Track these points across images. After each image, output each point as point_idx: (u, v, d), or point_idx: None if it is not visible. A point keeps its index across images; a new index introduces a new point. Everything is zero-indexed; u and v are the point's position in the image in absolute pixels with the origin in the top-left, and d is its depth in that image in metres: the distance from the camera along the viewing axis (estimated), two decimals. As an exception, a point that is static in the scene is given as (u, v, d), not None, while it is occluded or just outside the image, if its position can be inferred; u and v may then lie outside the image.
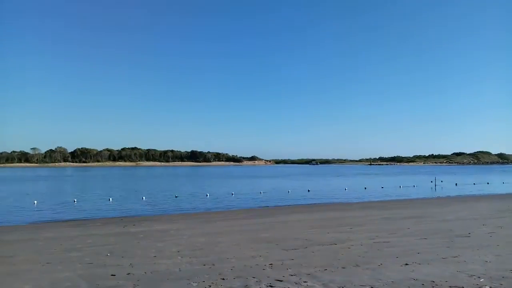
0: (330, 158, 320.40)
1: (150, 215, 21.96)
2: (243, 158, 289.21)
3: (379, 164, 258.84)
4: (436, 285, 6.89)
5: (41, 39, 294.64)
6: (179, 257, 9.62)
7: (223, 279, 7.40)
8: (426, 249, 10.12)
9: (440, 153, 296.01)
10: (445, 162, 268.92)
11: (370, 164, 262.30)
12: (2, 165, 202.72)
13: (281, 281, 7.20)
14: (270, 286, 6.88)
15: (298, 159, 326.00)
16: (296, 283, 7.05)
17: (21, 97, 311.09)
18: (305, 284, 7.02)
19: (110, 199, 30.80)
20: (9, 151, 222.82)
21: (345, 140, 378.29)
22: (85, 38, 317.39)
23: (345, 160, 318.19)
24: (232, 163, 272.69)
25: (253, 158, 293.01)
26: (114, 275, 7.91)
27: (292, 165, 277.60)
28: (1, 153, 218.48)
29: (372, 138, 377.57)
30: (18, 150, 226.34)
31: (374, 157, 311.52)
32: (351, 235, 12.71)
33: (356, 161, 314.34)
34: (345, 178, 70.94)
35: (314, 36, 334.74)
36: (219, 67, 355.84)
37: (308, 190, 39.09)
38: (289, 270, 8.05)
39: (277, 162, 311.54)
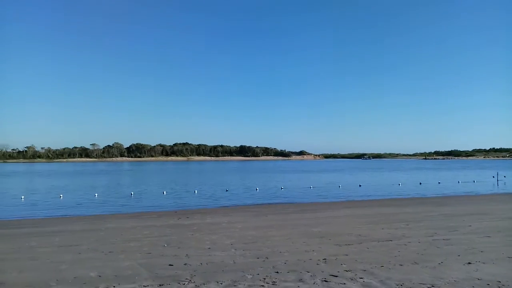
0: (382, 152, 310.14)
1: (202, 208, 22.50)
2: (292, 152, 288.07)
3: (435, 158, 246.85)
4: (503, 285, 6.48)
5: (102, 37, 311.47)
6: (233, 250, 9.77)
7: (277, 272, 7.41)
8: (489, 248, 9.53)
9: (502, 147, 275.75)
10: (508, 156, 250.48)
11: (425, 158, 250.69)
12: (65, 160, 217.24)
13: (336, 276, 7.09)
14: (325, 281, 6.79)
15: (348, 154, 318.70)
16: (352, 279, 6.90)
17: (82, 98, 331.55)
18: (361, 280, 6.86)
19: (164, 192, 31.94)
20: (71, 147, 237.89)
21: (398, 133, 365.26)
22: (147, 35, 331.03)
23: (397, 154, 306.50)
24: (280, 157, 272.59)
25: (301, 153, 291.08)
26: (172, 265, 8.19)
27: (342, 159, 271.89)
28: (64, 149, 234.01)
29: (427, 131, 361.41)
30: (79, 146, 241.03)
31: (429, 151, 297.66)
32: (407, 232, 12.24)
33: (410, 155, 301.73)
34: (398, 173, 68.46)
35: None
36: (269, 63, 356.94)
37: (360, 185, 38.20)
38: (343, 265, 7.90)
39: (326, 156, 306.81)
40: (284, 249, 9.67)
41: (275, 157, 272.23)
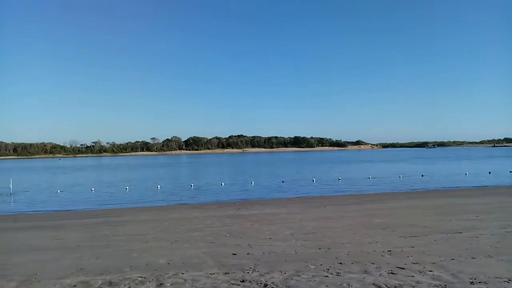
0: (445, 140, 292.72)
1: (260, 199, 22.76)
2: (348, 142, 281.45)
3: (504, 146, 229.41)
4: None
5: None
6: (294, 240, 9.80)
7: (341, 263, 7.34)
8: None
9: None
10: None
11: (494, 146, 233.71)
12: (128, 154, 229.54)
13: (403, 268, 6.88)
14: (391, 273, 6.62)
15: (408, 143, 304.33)
16: (420, 272, 6.66)
17: (142, 95, 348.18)
18: (430, 273, 6.59)
19: (222, 183, 32.72)
20: (133, 141, 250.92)
21: (462, 119, 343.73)
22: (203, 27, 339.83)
23: (463, 142, 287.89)
24: (336, 148, 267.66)
25: (358, 143, 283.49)
26: (235, 254, 8.40)
27: (402, 148, 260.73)
28: (127, 143, 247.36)
29: (494, 116, 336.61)
30: (140, 140, 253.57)
31: (498, 137, 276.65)
32: (478, 223, 11.55)
33: (476, 143, 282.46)
34: (465, 162, 64.53)
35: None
36: (321, 48, 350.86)
37: (422, 175, 36.54)
38: (410, 258, 7.64)
39: (385, 146, 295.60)
40: (346, 240, 9.53)
41: (331, 148, 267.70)
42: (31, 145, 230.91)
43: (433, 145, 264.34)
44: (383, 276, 6.45)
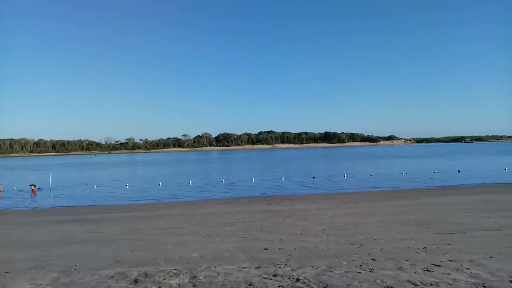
0: (482, 134, 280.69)
1: (290, 194, 22.71)
2: (380, 138, 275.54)
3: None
4: None
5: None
6: (325, 236, 9.74)
7: (374, 259, 7.23)
8: None
9: None
10: None
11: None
12: (160, 150, 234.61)
13: (439, 266, 6.69)
14: (427, 270, 6.46)
15: (443, 137, 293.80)
16: (457, 270, 6.46)
17: (174, 93, 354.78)
18: (468, 271, 6.38)
19: (253, 179, 32.87)
20: (165, 138, 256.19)
21: (500, 113, 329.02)
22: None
23: (501, 136, 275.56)
24: (367, 143, 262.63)
25: (390, 138, 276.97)
26: (267, 249, 8.44)
27: (437, 143, 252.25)
28: (159, 139, 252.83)
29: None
30: (172, 137, 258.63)
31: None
32: (519, 221, 11.06)
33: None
34: (503, 157, 61.82)
35: None
36: (356, 43, 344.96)
37: (458, 171, 35.32)
38: (446, 255, 7.42)
39: (419, 141, 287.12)
40: (378, 237, 9.37)
41: (362, 143, 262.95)
42: (68, 142, 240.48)
43: (471, 140, 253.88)
44: (418, 273, 6.31)
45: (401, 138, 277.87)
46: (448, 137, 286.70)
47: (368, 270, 6.55)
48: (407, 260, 7.09)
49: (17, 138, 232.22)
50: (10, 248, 9.64)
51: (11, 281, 6.60)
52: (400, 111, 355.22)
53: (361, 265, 6.85)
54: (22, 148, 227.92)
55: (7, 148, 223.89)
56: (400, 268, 6.60)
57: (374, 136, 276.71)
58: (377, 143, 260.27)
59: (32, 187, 28.15)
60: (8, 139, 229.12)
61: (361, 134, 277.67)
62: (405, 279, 5.97)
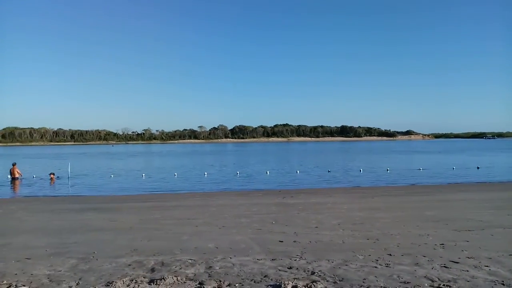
0: (504, 131, 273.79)
1: (305, 188, 22.65)
2: (397, 132, 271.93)
3: None
4: None
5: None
6: (341, 230, 9.68)
7: (390, 254, 7.16)
8: None
9: None
10: None
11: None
12: (176, 141, 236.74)
13: (457, 262, 6.59)
14: (444, 266, 6.36)
15: (463, 133, 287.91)
16: (476, 267, 6.35)
17: (189, 84, 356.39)
18: (486, 268, 6.27)
19: (267, 172, 32.88)
20: (181, 129, 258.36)
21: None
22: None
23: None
24: (384, 138, 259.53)
25: (408, 133, 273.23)
26: (282, 241, 8.44)
27: (456, 139, 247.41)
28: (175, 131, 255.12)
29: None
30: (188, 128, 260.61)
31: None
32: (540, 219, 10.79)
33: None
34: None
35: None
36: (365, 38, 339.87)
37: (478, 167, 34.63)
38: (465, 252, 7.30)
39: (437, 136, 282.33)
40: (395, 232, 9.27)
41: (379, 138, 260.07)
42: (86, 132, 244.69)
43: (492, 136, 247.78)
44: (435, 269, 6.22)
45: (419, 133, 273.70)
46: (468, 133, 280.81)
47: (384, 265, 6.49)
48: (424, 256, 7.00)
49: (37, 127, 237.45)
50: (30, 234, 9.88)
51: (31, 267, 6.76)
52: (418, 105, 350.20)
53: (377, 260, 6.79)
54: (41, 137, 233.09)
55: (27, 137, 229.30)
56: (417, 264, 6.52)
57: (391, 130, 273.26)
58: (395, 138, 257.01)
59: (52, 175, 28.74)
60: (28, 128, 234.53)
61: (378, 128, 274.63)
62: (422, 275, 5.90)
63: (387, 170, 33.65)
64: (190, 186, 24.46)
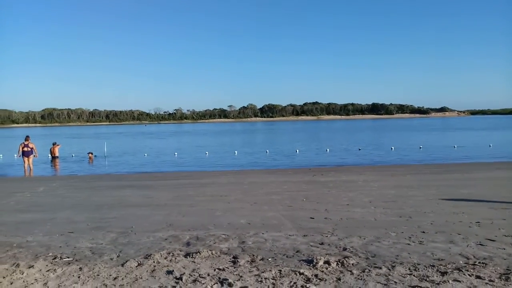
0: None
1: (335, 166, 22.53)
2: (431, 109, 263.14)
3: None
4: None
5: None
6: (372, 207, 9.65)
7: (423, 232, 7.10)
8: None
9: None
10: None
11: None
12: (207, 120, 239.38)
13: (493, 241, 6.47)
14: (480, 244, 6.26)
15: (501, 109, 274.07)
16: (513, 245, 6.21)
17: (222, 63, 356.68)
18: (525, 247, 6.12)
19: (297, 150, 32.84)
20: (211, 109, 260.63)
21: None
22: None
23: None
24: (417, 115, 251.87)
25: (442, 109, 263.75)
26: (313, 218, 8.52)
27: (493, 116, 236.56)
28: (205, 110, 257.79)
29: None
30: (218, 108, 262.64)
31: None
32: None
33: None
34: None
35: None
36: (396, 9, 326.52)
37: (517, 145, 33.22)
38: (501, 230, 7.14)
39: (473, 113, 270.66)
40: (428, 210, 9.15)
41: (412, 115, 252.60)
42: (120, 112, 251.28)
43: None
44: (470, 247, 6.14)
45: (454, 110, 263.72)
46: (506, 109, 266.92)
47: (417, 242, 6.46)
48: (459, 234, 6.91)
49: (74, 108, 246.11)
50: (72, 210, 10.41)
51: (74, 240, 7.17)
52: (453, 80, 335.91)
53: (410, 237, 6.77)
54: (78, 118, 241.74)
55: (65, 117, 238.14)
56: (451, 242, 6.45)
57: (424, 107, 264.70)
58: (428, 115, 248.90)
59: (90, 154, 29.88)
60: (65, 109, 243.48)
61: (411, 105, 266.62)
62: (456, 253, 5.85)
63: (420, 147, 32.87)
64: (221, 164, 24.85)
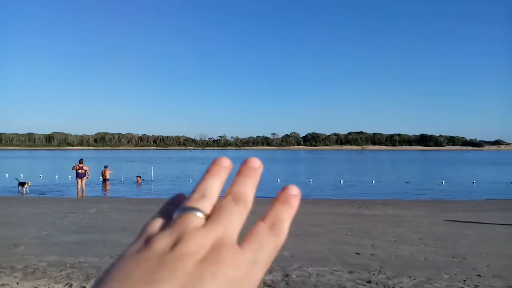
0: None
1: (381, 199, 21.83)
2: (484, 142, 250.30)
3: None
4: None
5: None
6: (422, 245, 9.23)
7: (479, 275, 6.69)
8: None
9: None
10: None
11: None
12: (249, 147, 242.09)
13: (558, 290, 5.97)
14: (543, 293, 5.81)
15: None
16: None
17: (262, 92, 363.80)
18: None
19: (341, 181, 32.23)
20: (255, 136, 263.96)
21: None
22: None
23: None
24: (469, 147, 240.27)
25: (497, 142, 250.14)
26: (359, 254, 8.28)
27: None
28: (249, 137, 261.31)
29: None
30: (261, 135, 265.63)
31: None
32: None
33: None
34: None
35: None
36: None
37: None
38: None
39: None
40: (484, 251, 8.61)
41: (463, 147, 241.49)
42: (167, 137, 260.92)
43: None
44: (532, 295, 5.71)
45: (511, 143, 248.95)
46: None
47: (473, 286, 6.10)
48: (519, 280, 6.44)
49: (124, 133, 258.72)
50: (121, 232, 10.79)
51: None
52: (509, 111, 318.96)
53: (464, 280, 6.39)
54: (128, 142, 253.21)
55: (116, 141, 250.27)
56: (510, 287, 6.02)
57: (477, 140, 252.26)
58: (481, 148, 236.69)
59: (138, 178, 30.98)
60: (117, 134, 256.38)
61: (462, 137, 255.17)
62: (516, 300, 5.45)
63: (473, 182, 31.17)
64: (262, 193, 24.82)
